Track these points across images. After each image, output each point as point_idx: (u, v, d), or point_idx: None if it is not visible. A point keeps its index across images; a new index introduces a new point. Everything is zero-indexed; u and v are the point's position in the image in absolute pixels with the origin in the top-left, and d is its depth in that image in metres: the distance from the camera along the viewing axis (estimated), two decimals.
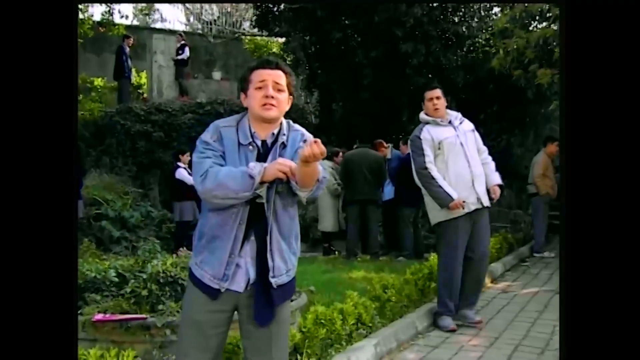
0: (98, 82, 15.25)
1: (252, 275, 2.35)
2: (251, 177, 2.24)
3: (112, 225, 8.87)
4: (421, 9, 10.94)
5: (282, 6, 12.76)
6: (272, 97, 2.37)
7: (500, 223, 9.87)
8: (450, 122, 4.71)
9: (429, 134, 4.63)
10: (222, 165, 2.33)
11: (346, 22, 11.90)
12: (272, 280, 2.34)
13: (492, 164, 4.78)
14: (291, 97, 2.48)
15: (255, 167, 2.25)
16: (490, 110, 12.33)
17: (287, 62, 13.85)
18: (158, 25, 20.08)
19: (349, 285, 5.37)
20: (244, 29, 18.56)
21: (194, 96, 14.14)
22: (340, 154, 9.10)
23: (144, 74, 16.17)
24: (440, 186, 4.49)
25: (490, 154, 4.82)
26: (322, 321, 3.62)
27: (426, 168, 4.55)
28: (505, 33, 9.18)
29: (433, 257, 5.53)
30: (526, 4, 8.56)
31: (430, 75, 11.52)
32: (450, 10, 11.71)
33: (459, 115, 4.84)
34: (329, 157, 9.17)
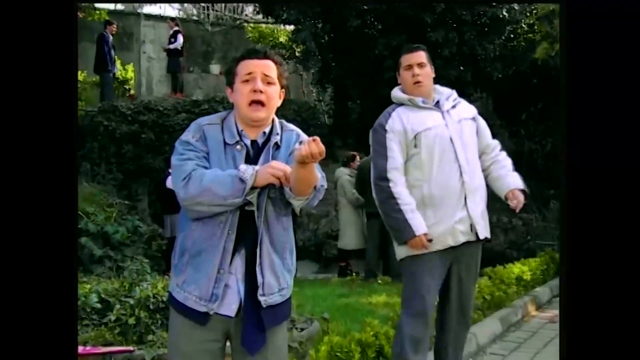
0: (77, 76, 15.43)
1: (242, 295, 2.36)
2: (242, 180, 2.26)
3: (94, 243, 8.94)
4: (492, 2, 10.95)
5: None
6: (261, 92, 2.39)
7: (547, 240, 9.84)
8: (437, 103, 3.74)
9: (400, 121, 3.63)
10: (206, 168, 2.35)
11: (365, 7, 11.95)
12: (262, 299, 2.35)
13: (508, 162, 3.83)
14: (283, 90, 2.51)
15: (247, 170, 2.28)
16: (534, 108, 12.30)
17: (296, 53, 13.97)
18: (146, 10, 20.21)
19: (369, 312, 5.39)
20: (246, 15, 18.63)
21: (189, 93, 14.25)
22: (357, 158, 9.13)
23: (130, 67, 16.25)
24: (401, 210, 3.53)
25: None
26: (338, 354, 3.64)
27: (387, 179, 3.58)
28: (552, 17, 9.15)
29: None
30: None
31: (462, 68, 11.55)
32: None
33: (454, 94, 3.83)
34: (345, 163, 9.21)
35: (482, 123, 3.86)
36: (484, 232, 3.64)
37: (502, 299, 6.24)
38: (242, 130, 2.44)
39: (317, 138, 2.14)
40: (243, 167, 2.30)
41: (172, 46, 14.37)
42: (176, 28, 14.55)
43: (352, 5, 11.58)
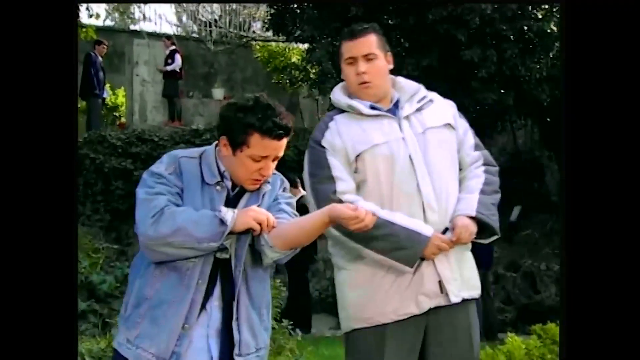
0: None
1: (215, 354, 2.37)
2: (222, 222, 2.28)
3: (77, 295, 8.95)
4: (491, 2, 11.01)
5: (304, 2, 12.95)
6: (267, 175, 2.48)
7: None
8: (396, 104, 3.12)
9: (338, 136, 3.03)
10: (178, 206, 2.36)
11: (389, 21, 12.01)
12: None
13: (480, 180, 3.09)
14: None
15: (228, 212, 2.31)
16: None
17: (311, 75, 14.03)
18: (140, 26, 20.43)
19: None
20: (253, 32, 18.75)
21: (188, 121, 14.32)
22: None
23: (121, 92, 16.40)
24: (390, 222, 2.89)
25: None
26: None
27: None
28: None
29: (511, 339, 5.44)
30: None
31: (502, 91, 11.54)
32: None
33: (420, 90, 3.19)
34: None
35: (463, 130, 3.20)
36: (460, 292, 2.98)
37: None
38: (224, 171, 2.48)
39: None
40: (223, 208, 2.34)
41: (169, 68, 14.47)
42: (173, 47, 14.67)
43: (374, 21, 11.65)
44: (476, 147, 3.19)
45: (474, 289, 3.09)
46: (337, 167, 2.97)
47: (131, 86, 14.90)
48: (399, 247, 2.86)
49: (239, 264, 2.39)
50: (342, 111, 3.11)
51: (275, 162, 2.47)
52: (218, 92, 15.92)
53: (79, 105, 14.56)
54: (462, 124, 3.21)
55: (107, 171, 11.62)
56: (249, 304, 2.42)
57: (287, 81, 15.24)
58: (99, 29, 14.54)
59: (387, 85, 3.14)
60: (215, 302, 2.39)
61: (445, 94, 3.34)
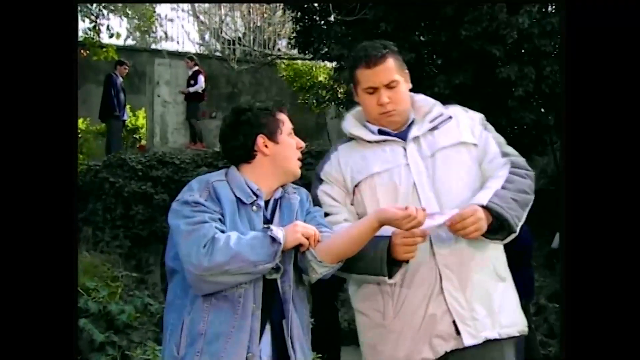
0: (79, 124, 15.64)
1: None
2: (274, 240, 2.31)
3: (95, 325, 8.90)
4: (528, 17, 10.96)
5: (331, 18, 12.99)
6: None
7: None
8: (409, 127, 3.02)
9: (338, 166, 2.98)
10: (223, 232, 2.37)
11: (421, 38, 12.02)
12: None
13: (500, 180, 2.84)
14: None
15: (278, 230, 2.34)
16: None
17: (339, 94, 14.04)
18: (162, 45, 20.60)
19: None
20: (279, 50, 18.84)
21: (210, 143, 14.35)
22: None
23: (141, 113, 16.54)
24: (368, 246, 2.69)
25: None
26: None
27: None
28: None
29: None
30: None
31: (543, 110, 11.46)
32: None
33: (436, 107, 3.07)
34: None
35: (484, 141, 3.00)
36: (481, 333, 2.74)
37: None
38: (257, 189, 2.51)
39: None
40: (272, 227, 2.36)
41: (191, 89, 14.59)
42: (196, 68, 14.78)
43: (404, 37, 11.66)
44: (503, 155, 2.96)
45: (509, 327, 2.81)
46: (328, 202, 2.89)
47: (152, 107, 15.00)
48: (368, 260, 2.67)
49: (288, 281, 2.42)
50: (350, 139, 3.06)
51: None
52: None
53: (98, 128, 14.74)
54: (485, 135, 3.02)
55: (126, 195, 11.64)
56: (298, 322, 2.46)
57: (314, 101, 15.24)
58: (119, 49, 14.66)
59: (409, 107, 3.04)
60: (267, 326, 2.42)
61: (482, 114, 3.26)
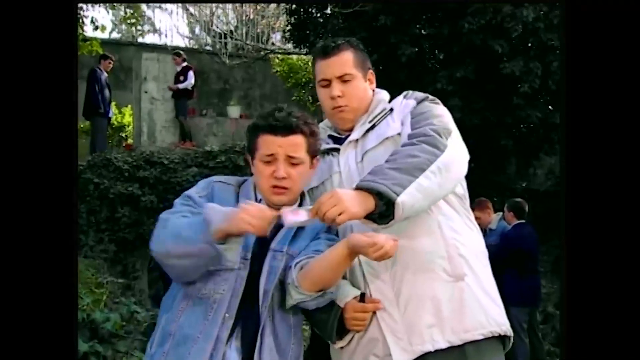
0: None
1: None
2: (206, 220, 2.27)
3: (79, 334, 8.92)
4: (534, 10, 10.95)
5: (328, 10, 12.96)
6: (284, 178, 2.45)
7: None
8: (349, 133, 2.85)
9: None
10: None
11: (422, 31, 12.01)
12: None
13: (400, 155, 2.53)
14: (316, 159, 2.59)
15: (216, 211, 2.30)
16: None
17: None
18: (149, 39, 20.56)
19: None
20: (272, 45, 18.82)
21: (201, 141, 14.33)
22: None
23: (127, 110, 16.53)
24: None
25: None
26: None
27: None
28: None
29: None
30: None
31: (550, 107, 11.45)
32: None
33: (380, 103, 2.90)
34: None
35: (404, 128, 2.73)
36: (420, 346, 2.55)
37: None
38: (261, 200, 2.51)
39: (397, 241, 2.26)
40: (213, 205, 2.35)
41: (181, 86, 14.56)
42: (185, 64, 14.77)
43: (404, 31, 11.64)
44: (409, 137, 2.64)
45: (469, 331, 2.63)
46: None
47: (139, 104, 14.97)
48: (322, 323, 2.60)
49: (266, 302, 2.38)
50: None
51: (296, 168, 2.48)
52: (234, 110, 15.95)
53: (82, 125, 14.70)
54: (407, 120, 2.75)
55: (112, 197, 11.59)
56: (273, 346, 2.40)
57: (309, 98, 15.22)
58: (104, 42, 14.60)
59: (363, 107, 2.86)
60: (234, 342, 2.37)
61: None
